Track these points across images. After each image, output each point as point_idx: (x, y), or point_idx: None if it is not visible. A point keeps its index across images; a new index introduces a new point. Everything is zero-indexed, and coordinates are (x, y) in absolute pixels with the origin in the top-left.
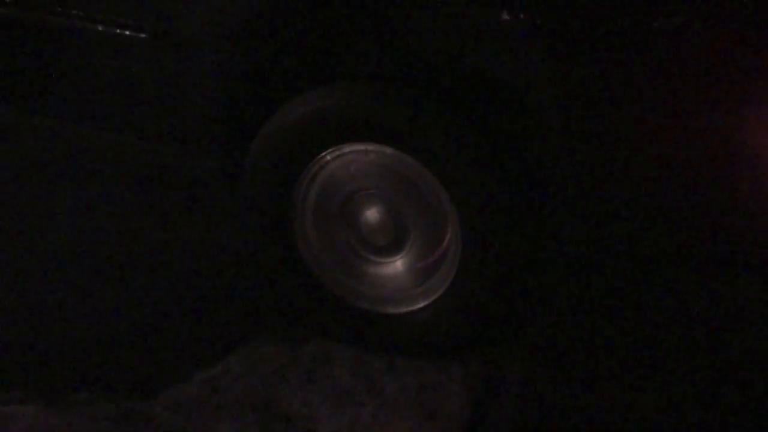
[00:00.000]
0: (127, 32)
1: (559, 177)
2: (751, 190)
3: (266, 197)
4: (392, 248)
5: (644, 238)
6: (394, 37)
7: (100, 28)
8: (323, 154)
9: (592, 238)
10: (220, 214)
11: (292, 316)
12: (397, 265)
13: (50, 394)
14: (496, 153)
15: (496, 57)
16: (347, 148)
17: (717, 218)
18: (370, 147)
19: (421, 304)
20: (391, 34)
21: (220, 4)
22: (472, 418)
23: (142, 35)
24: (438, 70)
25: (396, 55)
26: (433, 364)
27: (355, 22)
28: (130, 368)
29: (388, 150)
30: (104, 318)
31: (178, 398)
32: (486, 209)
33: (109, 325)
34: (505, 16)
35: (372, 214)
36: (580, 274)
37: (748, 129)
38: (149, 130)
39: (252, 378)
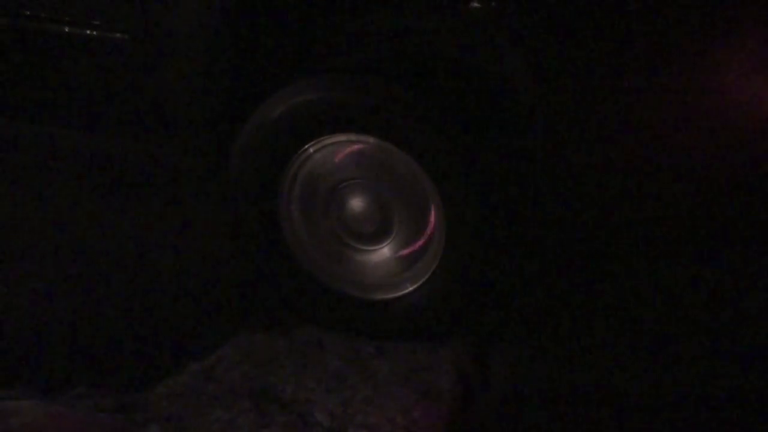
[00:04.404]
0: (108, 34)
1: (540, 159)
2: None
3: (252, 191)
4: (378, 236)
5: (624, 219)
6: (371, 29)
7: (78, 31)
8: (306, 146)
9: (574, 218)
10: (209, 209)
11: (283, 307)
12: (383, 252)
13: (48, 390)
14: (476, 137)
15: (470, 45)
16: (330, 140)
17: (698, 201)
18: (353, 137)
19: (410, 289)
20: (367, 26)
21: (199, 3)
22: (464, 396)
23: (123, 36)
24: (415, 60)
25: (374, 46)
26: (423, 346)
27: (331, 15)
28: (124, 363)
29: (371, 139)
30: (98, 314)
31: (173, 388)
32: (469, 192)
33: (103, 321)
34: (475, 4)
35: (357, 203)
36: (564, 254)
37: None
38: (134, 130)
39: (246, 366)
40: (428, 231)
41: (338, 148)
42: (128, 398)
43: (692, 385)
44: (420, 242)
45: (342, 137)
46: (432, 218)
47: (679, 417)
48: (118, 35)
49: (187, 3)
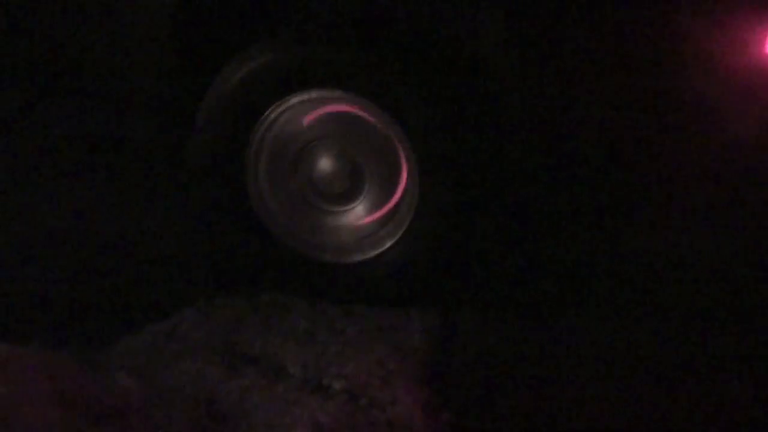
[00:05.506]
0: None
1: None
2: None
3: (217, 158)
4: (350, 195)
5: (593, 184)
6: None
7: None
8: (272, 107)
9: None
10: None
11: (251, 275)
12: (357, 211)
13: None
14: (448, 87)
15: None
16: (296, 99)
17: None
18: (320, 94)
19: (388, 244)
20: None
21: None
22: (434, 355)
23: None
24: (388, 18)
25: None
26: (391, 308)
27: None
28: (81, 325)
29: (339, 94)
30: (53, 278)
31: (134, 345)
32: (443, 143)
33: (59, 285)
34: None
35: (325, 163)
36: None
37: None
38: (93, 93)
39: (209, 326)
40: (401, 186)
41: (304, 109)
42: (88, 354)
43: (659, 349)
44: (395, 197)
45: (306, 95)
46: (404, 169)
47: (642, 381)
48: None
49: None
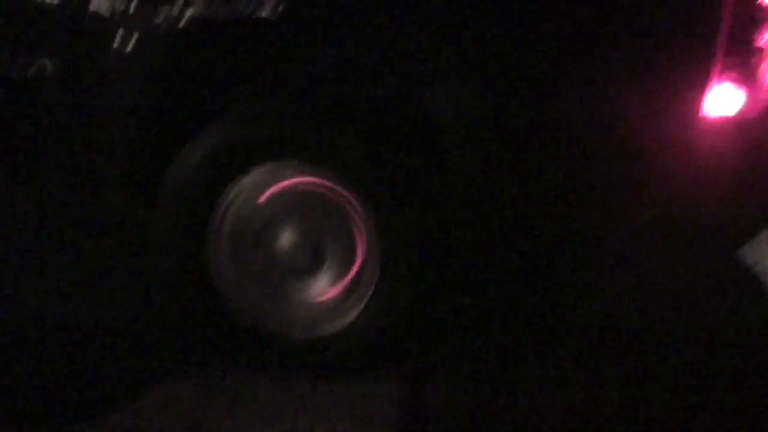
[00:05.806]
0: (30, 67)
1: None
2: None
3: (178, 237)
4: (312, 268)
5: (553, 246)
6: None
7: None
8: (229, 186)
9: (501, 245)
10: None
11: (218, 354)
12: (320, 285)
13: None
14: (407, 157)
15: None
16: (249, 178)
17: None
18: (273, 168)
19: (354, 316)
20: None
21: (125, 42)
22: (403, 425)
23: (46, 72)
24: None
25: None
26: (358, 380)
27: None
28: (45, 412)
29: (291, 170)
30: (19, 370)
31: (101, 429)
32: (401, 211)
33: (17, 369)
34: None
35: (285, 238)
36: (492, 282)
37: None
38: (52, 172)
39: (175, 409)
40: (360, 256)
41: (260, 186)
42: None
43: (625, 409)
44: (353, 269)
45: (262, 171)
46: (362, 242)
47: None
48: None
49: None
